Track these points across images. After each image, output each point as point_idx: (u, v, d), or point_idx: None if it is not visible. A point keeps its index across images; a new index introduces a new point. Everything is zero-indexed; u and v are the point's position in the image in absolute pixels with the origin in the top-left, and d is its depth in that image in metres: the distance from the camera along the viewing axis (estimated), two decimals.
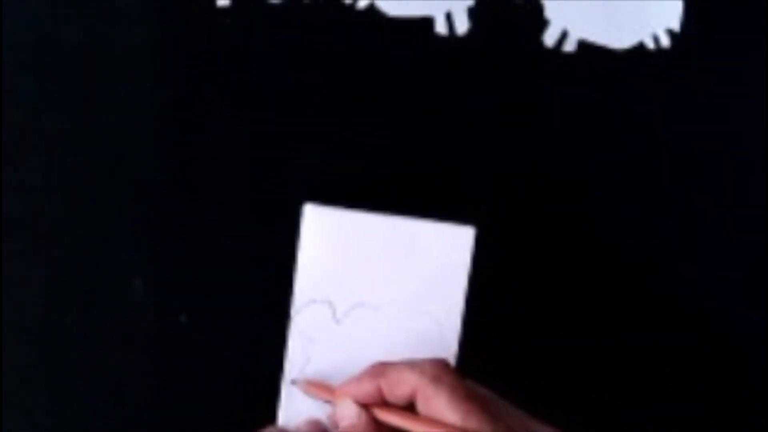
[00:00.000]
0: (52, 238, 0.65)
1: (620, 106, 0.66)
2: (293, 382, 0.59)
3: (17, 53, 0.65)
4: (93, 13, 0.65)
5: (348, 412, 0.56)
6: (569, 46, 0.66)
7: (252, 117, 0.65)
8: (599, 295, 0.66)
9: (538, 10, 0.66)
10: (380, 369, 0.56)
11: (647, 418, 0.66)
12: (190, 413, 0.65)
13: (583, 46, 0.66)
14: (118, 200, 0.65)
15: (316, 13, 0.65)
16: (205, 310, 0.65)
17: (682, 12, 0.66)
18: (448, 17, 0.66)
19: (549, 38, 0.66)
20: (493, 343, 0.63)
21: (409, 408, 0.55)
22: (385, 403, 0.56)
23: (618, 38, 0.66)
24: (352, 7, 0.65)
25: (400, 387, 0.54)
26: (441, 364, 0.55)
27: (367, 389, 0.56)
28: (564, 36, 0.66)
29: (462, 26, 0.66)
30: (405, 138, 0.66)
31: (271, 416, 0.60)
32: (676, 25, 0.66)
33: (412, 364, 0.55)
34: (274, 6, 0.65)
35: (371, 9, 0.65)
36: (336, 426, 0.57)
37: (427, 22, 0.66)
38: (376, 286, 0.60)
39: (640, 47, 0.66)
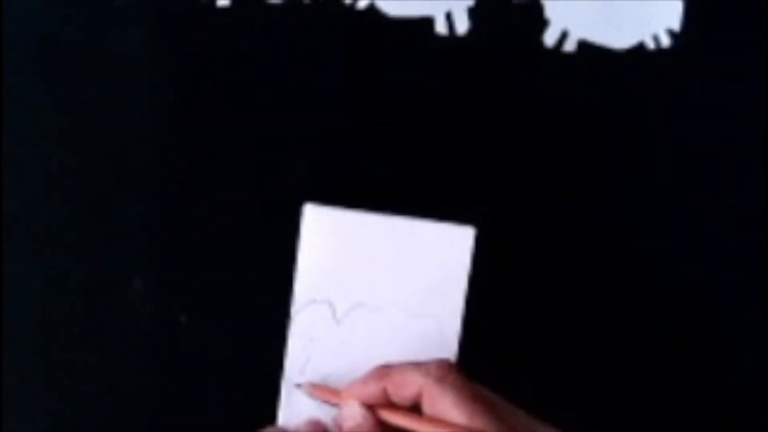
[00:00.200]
0: (52, 238, 0.65)
1: (620, 106, 0.66)
2: (297, 386, 0.59)
3: (17, 53, 0.65)
4: (93, 13, 0.65)
5: (353, 414, 0.56)
6: (569, 46, 0.66)
7: (252, 117, 0.65)
8: (599, 295, 0.66)
9: (539, 10, 0.66)
10: (385, 370, 0.56)
11: (647, 418, 0.66)
12: (190, 413, 0.65)
13: (584, 46, 0.66)
14: (118, 200, 0.65)
15: (316, 13, 0.65)
16: (205, 310, 0.65)
17: (682, 12, 0.66)
18: (449, 17, 0.66)
19: (549, 38, 0.66)
20: (493, 343, 0.63)
21: (415, 409, 0.55)
22: (390, 405, 0.56)
23: (618, 38, 0.66)
24: (352, 7, 0.65)
25: (406, 388, 0.55)
26: (446, 364, 0.55)
27: (372, 390, 0.56)
28: (564, 36, 0.66)
29: (462, 26, 0.66)
30: (405, 138, 0.66)
31: (271, 416, 0.60)
32: (676, 25, 0.66)
33: (417, 365, 0.55)
34: (274, 6, 0.65)
35: (371, 9, 0.65)
36: (341, 428, 0.57)
37: (428, 22, 0.66)
38: (376, 286, 0.60)
39: (640, 47, 0.66)
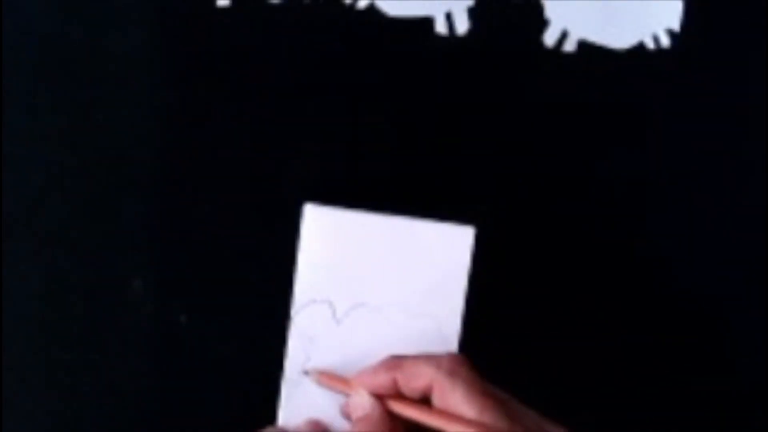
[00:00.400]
0: (52, 238, 0.65)
1: (620, 106, 0.66)
2: (306, 372, 0.59)
3: (17, 53, 0.65)
4: (93, 13, 0.65)
5: (362, 403, 0.56)
6: (569, 46, 0.66)
7: (252, 117, 0.65)
8: (599, 295, 0.66)
9: (538, 10, 0.66)
10: (396, 361, 0.56)
11: (647, 418, 0.66)
12: (190, 413, 0.65)
13: (583, 46, 0.66)
14: (117, 200, 0.65)
15: (316, 13, 0.65)
16: (205, 310, 0.65)
17: (682, 12, 0.66)
18: (448, 17, 0.66)
19: (549, 38, 0.66)
20: (493, 343, 0.63)
21: (424, 402, 0.55)
22: (399, 396, 0.56)
23: (618, 38, 0.66)
24: (352, 7, 0.65)
25: (416, 380, 0.55)
26: (458, 358, 0.55)
27: (382, 381, 0.56)
28: (564, 36, 0.66)
29: (462, 26, 0.66)
30: (405, 138, 0.66)
31: (271, 416, 0.60)
32: (676, 25, 0.66)
33: (429, 358, 0.55)
34: (274, 6, 0.65)
35: (371, 9, 0.65)
36: (349, 416, 0.57)
37: (428, 22, 0.66)
38: (376, 286, 0.60)
39: (640, 47, 0.66)
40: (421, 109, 0.66)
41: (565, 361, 0.66)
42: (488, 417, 0.52)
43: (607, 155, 0.66)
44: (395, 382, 0.56)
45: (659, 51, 0.66)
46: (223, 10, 0.65)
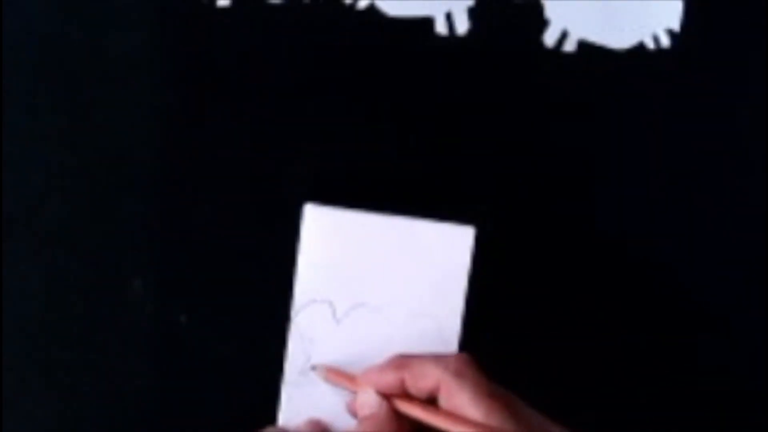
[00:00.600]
0: (52, 239, 0.65)
1: (620, 106, 0.66)
2: (313, 368, 0.59)
3: (17, 53, 0.65)
4: (93, 13, 0.65)
5: (369, 401, 0.56)
6: (569, 46, 0.66)
7: (252, 117, 0.65)
8: (599, 295, 0.66)
9: (538, 10, 0.66)
10: (404, 361, 0.56)
11: (647, 418, 0.66)
12: (190, 413, 0.65)
13: (583, 46, 0.66)
14: (117, 200, 0.65)
15: (316, 13, 0.65)
16: (205, 310, 0.65)
17: (682, 12, 0.66)
18: (449, 17, 0.66)
19: (549, 38, 0.66)
20: (493, 343, 0.63)
21: (431, 402, 0.55)
22: (406, 395, 0.56)
23: (618, 38, 0.66)
24: (352, 7, 0.65)
25: (424, 380, 0.55)
26: (466, 359, 0.55)
27: (389, 380, 0.56)
28: (564, 36, 0.66)
29: (462, 26, 0.66)
30: (405, 138, 0.66)
31: (271, 416, 0.60)
32: (676, 25, 0.66)
33: (436, 358, 0.55)
34: (274, 6, 0.65)
35: (371, 9, 0.65)
36: (355, 414, 0.57)
37: (428, 22, 0.66)
38: (376, 286, 0.60)
39: (640, 47, 0.66)
40: (421, 109, 0.66)
41: (565, 361, 0.66)
42: (494, 419, 0.52)
43: (607, 155, 0.66)
44: (402, 382, 0.56)
45: (659, 51, 0.66)
46: (223, 10, 0.65)
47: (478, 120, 0.66)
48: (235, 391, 0.65)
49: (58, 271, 0.65)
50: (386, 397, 0.56)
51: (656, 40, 0.66)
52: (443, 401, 0.54)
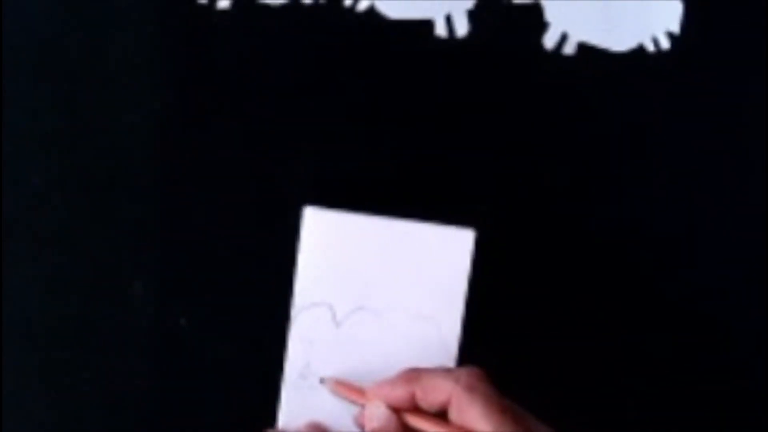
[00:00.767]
0: (52, 241, 0.65)
1: (620, 108, 0.66)
2: (321, 380, 0.59)
3: (18, 55, 0.65)
4: (93, 15, 0.65)
5: (378, 415, 0.56)
6: (569, 49, 0.66)
7: (252, 119, 0.65)
8: (600, 296, 0.66)
9: (538, 12, 0.66)
10: (414, 374, 0.56)
11: (648, 419, 0.66)
12: (190, 416, 0.65)
13: (583, 48, 0.66)
14: (118, 203, 0.65)
15: (316, 15, 0.65)
16: (205, 313, 0.65)
17: (682, 14, 0.66)
18: (448, 20, 0.66)
19: (549, 40, 0.66)
20: (494, 346, 0.63)
21: (441, 416, 0.55)
22: (416, 409, 0.56)
23: (618, 40, 0.66)
24: (352, 9, 0.65)
25: (434, 394, 0.54)
26: (477, 373, 0.54)
27: (399, 393, 0.56)
28: (564, 38, 0.66)
29: (462, 28, 0.66)
30: (405, 140, 0.66)
31: (271, 419, 0.60)
32: (675, 27, 0.66)
33: (447, 371, 0.55)
34: (274, 8, 0.65)
35: (371, 11, 0.65)
36: (362, 427, 0.57)
37: (427, 25, 0.66)
38: (376, 289, 0.60)
39: (639, 49, 0.66)
40: (421, 112, 0.66)
41: (566, 362, 0.66)
42: None
43: (607, 158, 0.66)
44: (412, 395, 0.55)
45: (659, 53, 0.66)
46: (223, 12, 0.65)
47: (478, 122, 0.66)
48: (235, 394, 0.65)
49: (58, 274, 0.65)
50: (396, 410, 0.56)
51: (656, 42, 0.66)
52: (453, 415, 0.54)
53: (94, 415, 0.65)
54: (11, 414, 0.65)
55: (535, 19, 0.66)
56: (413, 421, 0.56)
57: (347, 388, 0.59)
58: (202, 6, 0.65)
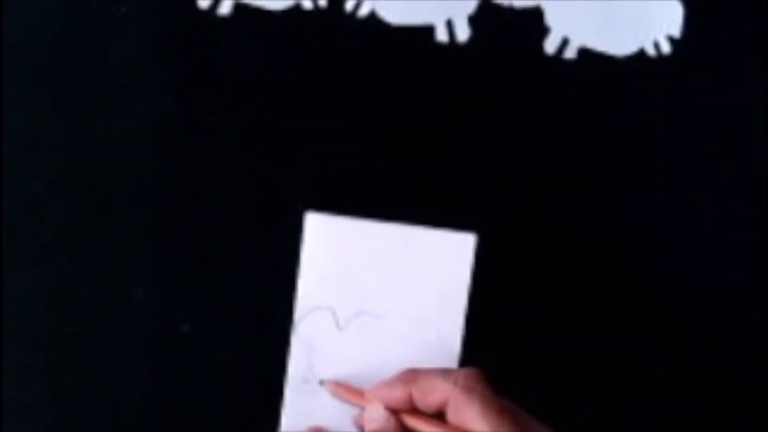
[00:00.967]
0: (54, 247, 0.65)
1: (621, 112, 0.66)
2: (321, 382, 0.60)
3: (19, 60, 0.65)
4: (94, 19, 0.65)
5: (376, 416, 0.56)
6: (570, 53, 0.66)
7: (254, 125, 0.65)
8: (601, 299, 0.66)
9: (539, 17, 0.66)
10: (412, 375, 0.56)
11: (648, 419, 0.67)
12: (192, 421, 0.65)
13: (584, 52, 0.66)
14: (119, 208, 0.65)
15: (317, 21, 0.65)
16: (208, 318, 0.65)
17: (683, 18, 0.66)
18: (449, 25, 0.66)
19: (550, 45, 0.66)
20: (495, 350, 0.63)
21: (439, 416, 0.55)
22: (414, 410, 0.56)
23: (619, 45, 0.66)
24: (353, 15, 0.65)
25: (432, 395, 0.55)
26: (475, 373, 0.55)
27: (397, 395, 0.56)
28: (565, 43, 0.66)
29: (463, 34, 0.66)
30: (406, 145, 0.66)
31: (274, 424, 0.60)
32: (676, 31, 0.66)
33: (445, 372, 0.55)
34: (275, 14, 0.65)
35: (372, 17, 0.65)
36: (362, 428, 0.58)
37: (429, 30, 0.66)
38: (378, 294, 0.60)
39: (640, 54, 0.66)
40: (422, 117, 0.66)
41: (567, 364, 0.66)
42: None
43: (608, 162, 0.66)
44: (410, 396, 0.56)
45: (660, 57, 0.66)
46: (224, 18, 0.65)
47: (480, 127, 0.66)
48: (237, 399, 0.65)
49: (59, 280, 0.65)
50: (394, 411, 0.56)
51: (657, 46, 0.66)
52: (451, 416, 0.54)
53: (96, 420, 0.65)
54: (12, 419, 0.65)
55: (536, 24, 0.66)
56: (411, 422, 0.56)
57: (347, 390, 0.59)
58: (203, 12, 0.65)
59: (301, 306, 0.60)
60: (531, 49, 0.66)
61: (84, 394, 0.65)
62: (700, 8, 0.66)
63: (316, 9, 0.65)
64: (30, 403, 0.65)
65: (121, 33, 0.65)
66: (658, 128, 0.67)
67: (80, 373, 0.65)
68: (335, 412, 0.60)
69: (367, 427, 0.57)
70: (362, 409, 0.58)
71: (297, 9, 0.65)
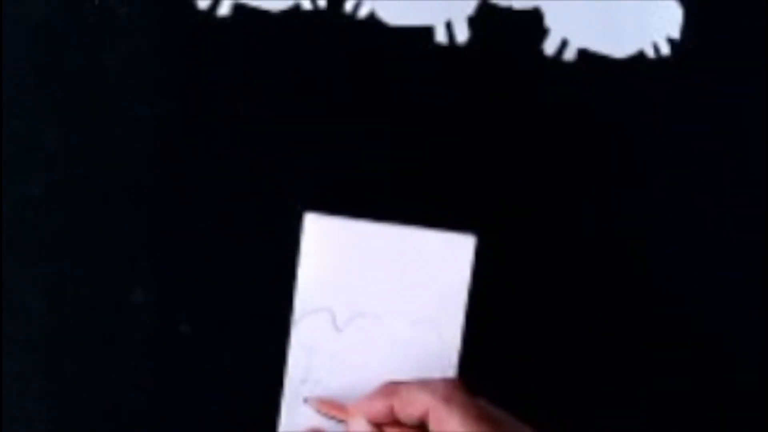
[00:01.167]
0: (53, 249, 0.65)
1: (621, 114, 0.66)
2: (305, 400, 0.60)
3: (18, 63, 0.65)
4: (94, 22, 0.65)
5: (360, 430, 0.57)
6: (569, 55, 0.66)
7: (253, 126, 0.65)
8: (600, 300, 0.66)
9: (538, 18, 0.66)
10: (392, 388, 0.56)
11: (648, 420, 0.67)
12: (190, 422, 0.65)
13: (584, 54, 0.66)
14: (118, 210, 0.65)
15: (316, 22, 0.65)
16: (206, 319, 0.65)
17: (682, 20, 0.66)
18: (449, 26, 0.66)
19: (549, 47, 0.66)
20: (494, 351, 0.64)
21: (421, 427, 0.55)
22: (396, 423, 0.56)
23: (618, 46, 0.66)
24: (352, 16, 0.65)
25: (412, 406, 0.55)
26: (453, 383, 0.55)
27: (379, 408, 0.56)
28: (564, 44, 0.66)
29: (462, 35, 0.66)
30: (406, 146, 0.66)
31: (272, 425, 0.60)
32: (676, 33, 0.66)
33: (424, 384, 0.55)
34: (274, 15, 0.65)
35: (372, 18, 0.65)
36: None
37: (428, 31, 0.66)
38: (376, 295, 0.60)
39: (640, 55, 0.66)
40: (421, 118, 0.66)
41: (566, 368, 0.66)
42: None
43: (608, 163, 0.66)
44: (392, 409, 0.56)
45: (659, 59, 0.66)
46: (224, 19, 0.65)
47: (480, 128, 0.66)
48: (235, 400, 0.65)
49: (59, 280, 0.65)
50: (377, 425, 0.57)
51: (656, 48, 0.66)
52: (433, 427, 0.54)
53: (96, 420, 0.65)
54: (12, 419, 0.65)
55: (536, 26, 0.66)
56: None
57: (330, 406, 0.59)
58: (202, 12, 0.65)
59: (300, 307, 0.60)
60: (530, 51, 0.66)
61: (84, 394, 0.65)
62: (699, 10, 0.66)
63: (316, 9, 0.65)
64: (30, 403, 0.65)
65: (121, 33, 0.65)
66: (657, 129, 0.67)
67: (80, 373, 0.65)
68: (337, 420, 0.60)
69: None
70: (346, 423, 0.58)
71: (296, 9, 0.65)
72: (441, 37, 0.66)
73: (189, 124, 0.65)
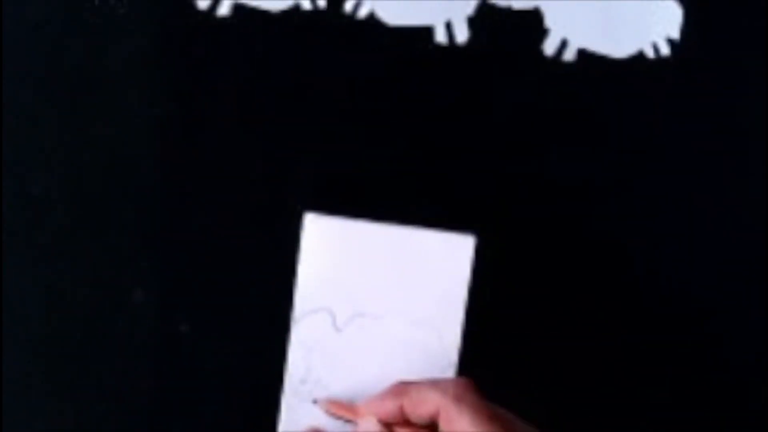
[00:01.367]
0: (53, 248, 0.65)
1: (621, 114, 0.66)
2: (314, 401, 0.60)
3: (18, 62, 0.65)
4: (94, 22, 0.65)
5: (371, 429, 0.56)
6: (569, 55, 0.66)
7: (253, 126, 0.65)
8: (601, 300, 0.66)
9: (538, 18, 0.66)
10: (402, 388, 0.56)
11: (648, 420, 0.67)
12: (190, 422, 0.65)
13: (583, 54, 0.66)
14: (118, 211, 0.65)
15: (316, 22, 0.65)
16: (206, 319, 0.65)
17: (682, 20, 0.66)
18: (448, 26, 0.66)
19: (549, 47, 0.66)
20: (494, 352, 0.64)
21: (431, 427, 0.55)
22: (407, 423, 0.56)
23: (618, 47, 0.66)
24: (352, 16, 0.65)
25: (423, 406, 0.54)
26: (464, 383, 0.55)
27: (389, 408, 0.56)
28: (564, 45, 0.66)
29: (462, 35, 0.66)
30: (405, 146, 0.66)
31: (272, 425, 0.60)
32: (675, 33, 0.66)
33: (434, 383, 0.55)
34: (274, 15, 0.65)
35: (372, 18, 0.65)
36: None
37: (427, 31, 0.66)
38: (376, 295, 0.60)
39: (639, 55, 0.66)
40: (421, 118, 0.66)
41: (566, 368, 0.66)
42: None
43: (607, 164, 0.66)
44: (402, 409, 0.56)
45: (659, 59, 0.66)
46: (224, 19, 0.65)
47: (479, 128, 0.66)
48: (235, 400, 0.65)
49: (59, 282, 0.65)
50: (387, 425, 0.57)
51: (656, 48, 0.66)
52: (443, 426, 0.54)
53: (96, 420, 0.65)
54: (12, 419, 0.65)
55: (535, 26, 0.66)
56: None
57: (340, 407, 0.59)
58: (202, 12, 0.65)
59: (300, 306, 0.60)
60: (530, 51, 0.66)
61: (83, 394, 0.65)
62: (699, 10, 0.66)
63: (315, 9, 0.65)
64: (30, 403, 0.65)
65: (121, 33, 0.65)
66: (657, 129, 0.67)
67: (80, 373, 0.65)
68: (346, 421, 0.60)
69: None
70: (356, 424, 0.58)
71: (296, 9, 0.65)
72: (441, 37, 0.66)
73: (189, 124, 0.65)
